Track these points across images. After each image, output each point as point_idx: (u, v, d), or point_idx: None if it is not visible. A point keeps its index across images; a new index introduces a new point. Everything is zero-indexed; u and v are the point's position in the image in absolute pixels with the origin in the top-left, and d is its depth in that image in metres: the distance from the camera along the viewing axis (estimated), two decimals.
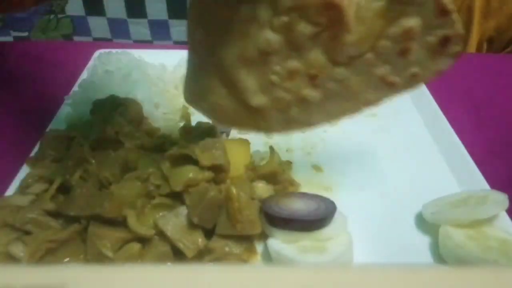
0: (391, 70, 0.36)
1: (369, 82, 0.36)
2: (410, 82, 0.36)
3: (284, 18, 0.33)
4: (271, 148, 0.49)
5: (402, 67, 0.35)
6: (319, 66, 0.35)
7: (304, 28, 0.33)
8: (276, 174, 0.46)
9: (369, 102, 0.37)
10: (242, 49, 0.36)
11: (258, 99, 0.38)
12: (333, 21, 0.32)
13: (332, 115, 0.38)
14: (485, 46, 0.81)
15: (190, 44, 0.39)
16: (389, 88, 0.37)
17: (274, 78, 0.36)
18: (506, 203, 0.40)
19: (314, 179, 0.50)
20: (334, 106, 0.38)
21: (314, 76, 0.36)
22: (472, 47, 0.79)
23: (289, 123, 0.39)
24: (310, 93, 0.37)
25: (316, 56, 0.35)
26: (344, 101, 0.37)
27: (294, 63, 0.35)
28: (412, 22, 0.33)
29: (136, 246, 0.39)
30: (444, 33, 0.33)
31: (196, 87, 0.40)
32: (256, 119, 0.40)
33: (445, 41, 0.33)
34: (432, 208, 0.42)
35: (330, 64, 0.35)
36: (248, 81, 0.38)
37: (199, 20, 0.37)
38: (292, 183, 0.47)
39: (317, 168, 0.51)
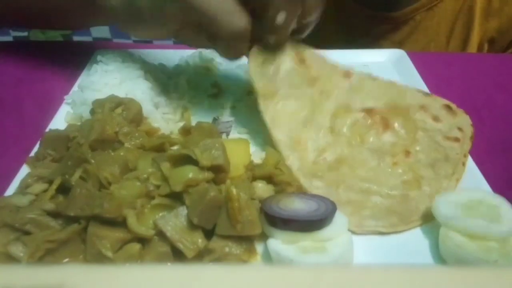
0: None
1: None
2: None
3: None
4: (268, 148, 0.49)
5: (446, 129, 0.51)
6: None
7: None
8: (272, 175, 0.45)
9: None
10: None
11: (395, 188, 0.48)
12: None
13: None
14: (486, 46, 0.81)
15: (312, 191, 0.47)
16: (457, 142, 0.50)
17: None
18: None
19: None
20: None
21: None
22: (473, 48, 0.79)
23: (432, 196, 0.47)
24: None
25: None
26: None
27: None
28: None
29: (136, 247, 0.39)
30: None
31: (351, 217, 0.44)
32: (411, 206, 0.46)
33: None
34: (445, 210, 0.41)
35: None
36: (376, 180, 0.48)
37: None
38: (290, 184, 0.46)
39: None
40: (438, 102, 0.54)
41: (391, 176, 0.47)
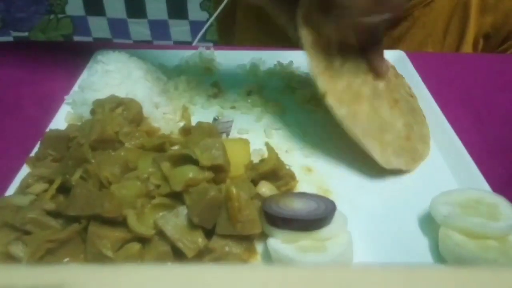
0: None
1: None
2: None
3: None
4: (267, 144, 0.49)
5: None
6: None
7: None
8: (276, 170, 0.45)
9: None
10: None
11: (400, 130, 0.53)
12: None
13: None
14: (481, 42, 0.81)
15: (352, 132, 0.50)
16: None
17: None
18: None
19: (314, 179, 0.50)
20: None
21: None
22: (468, 44, 0.79)
23: (422, 138, 0.54)
24: None
25: None
26: None
27: None
28: None
29: (136, 246, 0.39)
30: None
31: (379, 152, 0.50)
32: (414, 147, 0.52)
33: None
34: (443, 209, 0.41)
35: None
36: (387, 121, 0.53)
37: None
38: (293, 177, 0.47)
39: (316, 168, 0.51)
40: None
41: (393, 118, 0.52)
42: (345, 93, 0.51)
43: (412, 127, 0.53)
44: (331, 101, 0.50)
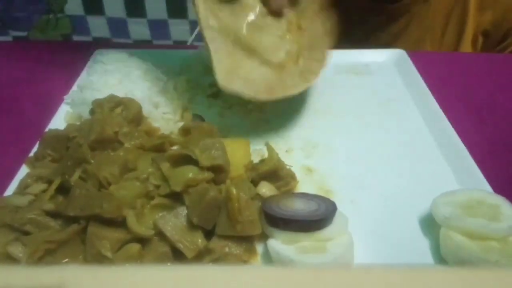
0: None
1: None
2: None
3: None
4: (267, 144, 0.49)
5: None
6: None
7: None
8: (276, 170, 0.45)
9: None
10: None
11: (277, 56, 0.51)
12: None
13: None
14: (480, 40, 0.81)
15: (206, 35, 0.49)
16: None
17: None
18: None
19: (314, 179, 0.49)
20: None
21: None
22: (467, 41, 0.79)
23: (303, 74, 0.52)
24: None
25: None
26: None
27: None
28: None
29: (135, 247, 0.39)
30: None
31: (224, 70, 0.48)
32: (282, 77, 0.50)
33: None
34: (444, 210, 0.41)
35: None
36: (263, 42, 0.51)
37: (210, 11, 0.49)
38: (293, 177, 0.47)
39: (317, 168, 0.51)
40: None
41: (278, 41, 0.51)
42: (224, 12, 0.50)
43: (298, 60, 0.52)
44: (201, 9, 0.48)
